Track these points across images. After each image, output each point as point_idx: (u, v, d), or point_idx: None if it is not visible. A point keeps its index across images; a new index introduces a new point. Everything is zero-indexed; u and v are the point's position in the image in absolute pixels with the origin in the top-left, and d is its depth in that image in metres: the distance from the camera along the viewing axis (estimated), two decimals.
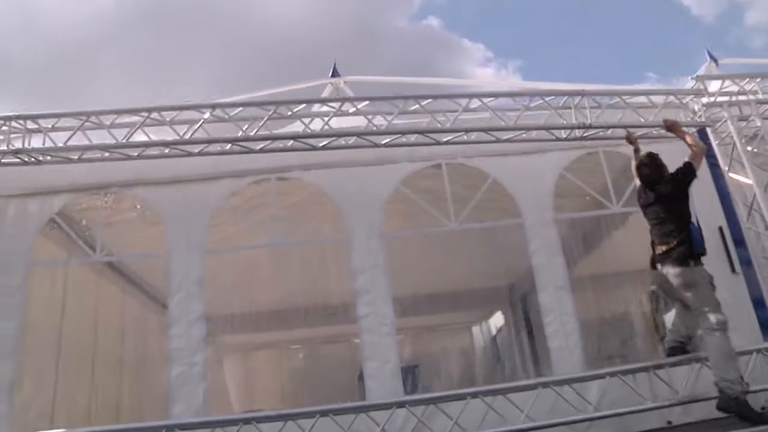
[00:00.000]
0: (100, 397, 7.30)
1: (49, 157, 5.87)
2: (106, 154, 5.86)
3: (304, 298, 9.59)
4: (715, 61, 9.70)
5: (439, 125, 6.19)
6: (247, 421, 4.90)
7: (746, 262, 6.41)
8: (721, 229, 6.52)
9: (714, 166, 6.78)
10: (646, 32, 55.19)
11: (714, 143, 6.56)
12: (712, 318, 4.72)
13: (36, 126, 5.88)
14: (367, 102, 6.58)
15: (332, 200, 6.49)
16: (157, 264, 6.76)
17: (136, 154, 5.96)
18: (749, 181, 6.25)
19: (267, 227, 6.40)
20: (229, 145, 5.94)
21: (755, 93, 6.66)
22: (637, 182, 5.36)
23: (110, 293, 8.04)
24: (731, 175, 6.43)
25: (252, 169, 6.51)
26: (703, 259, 4.91)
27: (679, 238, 4.87)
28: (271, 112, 6.01)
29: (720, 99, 6.57)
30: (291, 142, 6.03)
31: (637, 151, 5.54)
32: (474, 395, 5.00)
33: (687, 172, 5.06)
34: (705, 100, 6.58)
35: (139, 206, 6.85)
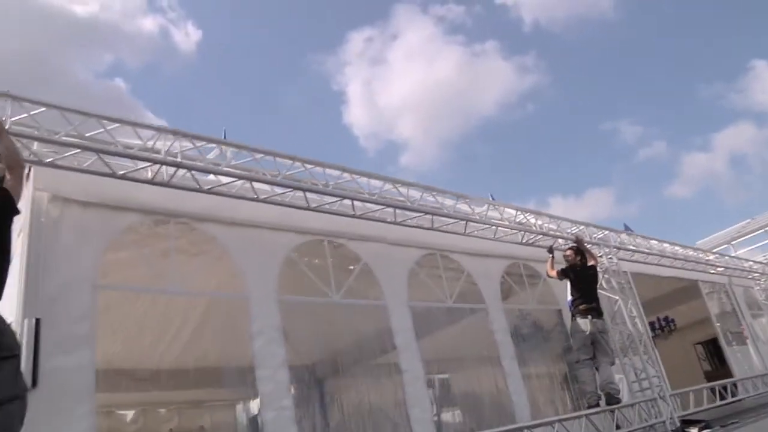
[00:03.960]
0: None
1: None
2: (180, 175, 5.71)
3: None
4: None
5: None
6: None
7: None
8: None
9: None
10: (315, 148, 62.92)
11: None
12: (612, 354, 8.19)
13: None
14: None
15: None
16: None
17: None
18: (616, 297, 9.42)
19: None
20: None
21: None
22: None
23: None
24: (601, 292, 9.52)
25: (311, 228, 6.94)
26: None
27: (597, 302, 8.31)
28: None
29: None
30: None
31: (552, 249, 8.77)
32: None
33: (595, 269, 8.68)
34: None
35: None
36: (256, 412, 13.33)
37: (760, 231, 23.19)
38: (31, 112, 4.97)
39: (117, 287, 6.25)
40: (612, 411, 8.18)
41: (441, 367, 8.33)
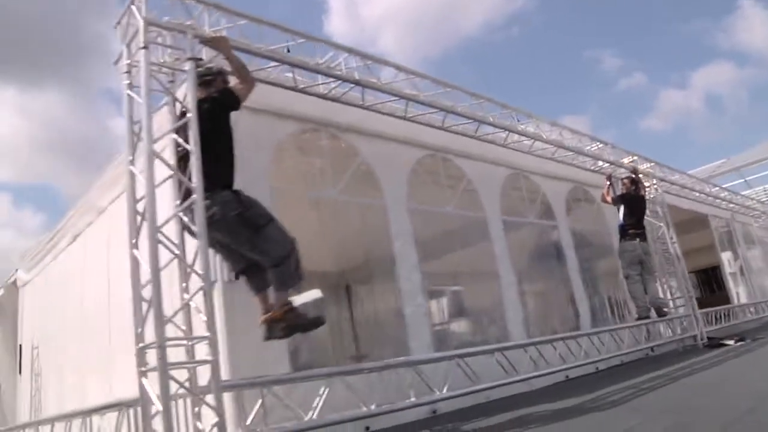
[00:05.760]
0: None
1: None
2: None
3: None
4: None
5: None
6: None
7: None
8: None
9: None
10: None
11: None
12: (654, 274, 9.41)
13: None
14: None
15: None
16: None
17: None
18: (659, 224, 10.36)
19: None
20: None
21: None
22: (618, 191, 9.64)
23: None
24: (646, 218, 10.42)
25: (428, 143, 7.47)
26: None
27: (644, 228, 9.36)
28: None
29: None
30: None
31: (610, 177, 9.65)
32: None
33: (645, 198, 9.62)
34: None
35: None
36: None
37: (732, 171, 24.49)
38: (237, 23, 5.25)
39: (289, 189, 6.69)
40: (655, 324, 9.25)
41: (525, 277, 9.17)
